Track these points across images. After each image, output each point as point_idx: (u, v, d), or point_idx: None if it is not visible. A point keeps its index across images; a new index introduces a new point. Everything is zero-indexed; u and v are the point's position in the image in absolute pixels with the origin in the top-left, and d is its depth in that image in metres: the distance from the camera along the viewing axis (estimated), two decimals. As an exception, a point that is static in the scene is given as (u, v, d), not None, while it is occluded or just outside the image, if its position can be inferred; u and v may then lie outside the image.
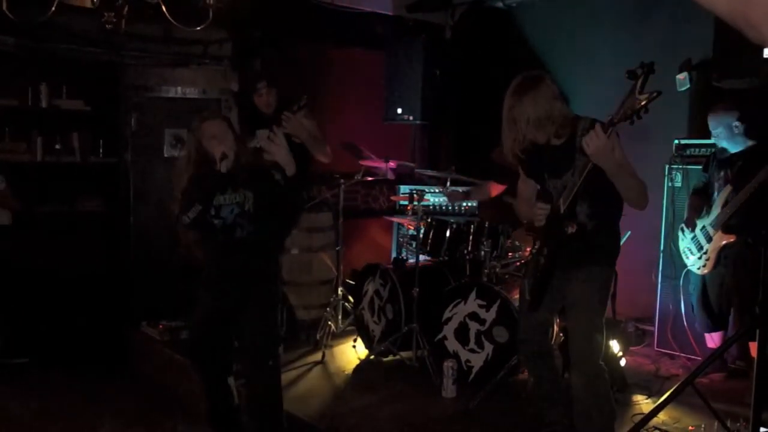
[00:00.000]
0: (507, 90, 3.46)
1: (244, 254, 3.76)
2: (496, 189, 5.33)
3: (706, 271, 4.87)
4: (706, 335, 5.09)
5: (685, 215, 5.05)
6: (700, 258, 4.88)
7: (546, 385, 3.89)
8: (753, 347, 4.71)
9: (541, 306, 3.61)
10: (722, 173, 4.81)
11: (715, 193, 4.83)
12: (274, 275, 3.94)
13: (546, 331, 3.86)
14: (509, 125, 3.43)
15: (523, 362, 4.13)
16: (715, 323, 4.96)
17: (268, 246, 3.87)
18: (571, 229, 3.36)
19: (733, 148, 4.74)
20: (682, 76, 5.45)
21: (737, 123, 4.65)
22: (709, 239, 4.80)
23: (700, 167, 5.06)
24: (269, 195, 3.73)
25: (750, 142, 4.71)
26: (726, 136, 4.72)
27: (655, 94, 2.85)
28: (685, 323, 5.20)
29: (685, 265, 5.05)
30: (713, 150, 5.01)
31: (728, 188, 4.71)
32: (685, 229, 4.98)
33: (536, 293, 3.60)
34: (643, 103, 2.87)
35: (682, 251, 5.05)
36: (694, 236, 4.92)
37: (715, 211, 4.76)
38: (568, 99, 6.00)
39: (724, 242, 4.73)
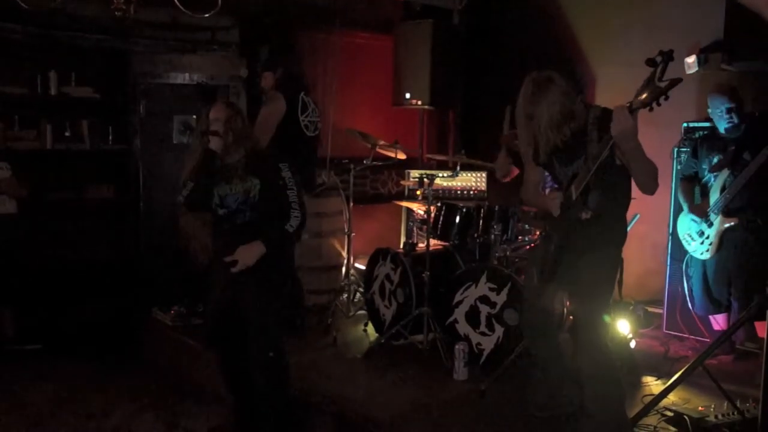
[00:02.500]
0: (520, 93, 3.50)
1: (245, 238, 3.75)
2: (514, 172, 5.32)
3: (709, 256, 4.88)
4: (711, 318, 5.11)
5: (686, 204, 5.02)
6: (702, 243, 4.89)
7: (555, 369, 3.93)
8: (760, 327, 4.74)
9: (548, 291, 3.63)
10: (715, 158, 4.82)
11: (711, 179, 4.83)
12: (275, 264, 3.83)
13: (551, 315, 3.88)
14: (527, 132, 3.50)
15: (530, 346, 4.15)
16: (716, 306, 4.98)
17: (270, 232, 3.79)
18: (585, 215, 3.39)
19: (721, 127, 4.78)
20: (691, 60, 5.43)
21: (728, 106, 4.70)
22: (710, 224, 4.81)
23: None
24: (274, 186, 3.76)
25: (741, 126, 4.74)
26: (717, 117, 4.78)
27: (676, 81, 2.89)
28: (690, 306, 5.23)
29: (687, 251, 5.08)
30: (700, 134, 5.05)
31: (725, 172, 4.72)
32: (697, 218, 4.92)
33: (545, 278, 3.63)
34: (664, 89, 2.90)
35: (682, 237, 5.06)
36: (694, 221, 4.93)
37: (714, 195, 4.77)
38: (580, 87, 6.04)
39: (726, 225, 4.74)
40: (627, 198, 3.59)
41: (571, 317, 4.55)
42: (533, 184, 3.83)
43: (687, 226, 5.01)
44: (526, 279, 3.86)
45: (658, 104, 2.96)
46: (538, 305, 3.75)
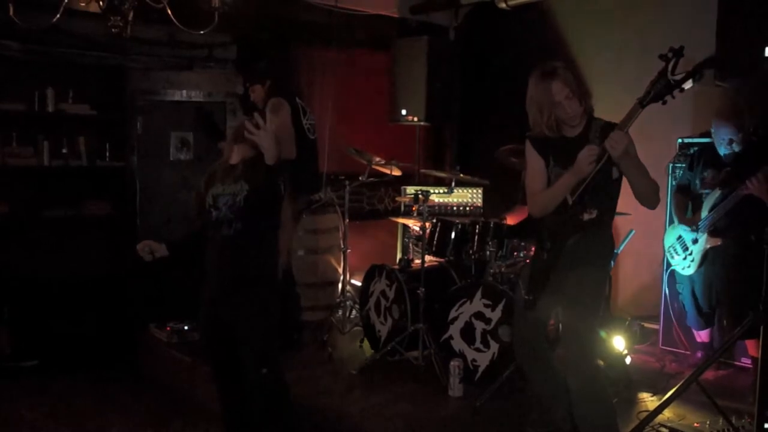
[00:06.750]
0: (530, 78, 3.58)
1: (230, 253, 3.68)
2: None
3: (691, 271, 4.87)
4: (694, 331, 5.12)
5: (677, 217, 4.97)
6: (685, 259, 4.89)
7: (546, 386, 3.87)
8: (750, 345, 4.73)
9: (537, 306, 3.61)
10: (709, 175, 4.74)
11: (702, 194, 4.78)
12: (264, 279, 3.74)
13: (542, 331, 3.81)
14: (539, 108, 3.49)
15: (521, 363, 4.12)
16: (707, 321, 4.97)
17: (256, 247, 3.70)
18: (588, 215, 3.39)
19: (721, 152, 4.67)
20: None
21: (735, 137, 4.57)
22: (695, 241, 4.80)
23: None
24: (263, 188, 3.58)
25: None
26: (719, 142, 4.66)
27: (691, 73, 2.97)
28: (674, 319, 5.25)
29: (669, 264, 5.09)
30: (698, 149, 5.01)
31: (716, 192, 4.67)
32: (685, 231, 4.88)
33: (534, 290, 3.59)
34: (679, 81, 2.95)
35: (666, 250, 5.06)
36: (680, 236, 4.92)
37: (703, 213, 4.73)
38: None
39: (710, 245, 4.72)
40: (612, 214, 3.58)
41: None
42: (541, 181, 3.59)
43: (673, 239, 4.99)
44: (516, 293, 3.84)
45: (672, 97, 3.01)
46: (527, 320, 3.72)
